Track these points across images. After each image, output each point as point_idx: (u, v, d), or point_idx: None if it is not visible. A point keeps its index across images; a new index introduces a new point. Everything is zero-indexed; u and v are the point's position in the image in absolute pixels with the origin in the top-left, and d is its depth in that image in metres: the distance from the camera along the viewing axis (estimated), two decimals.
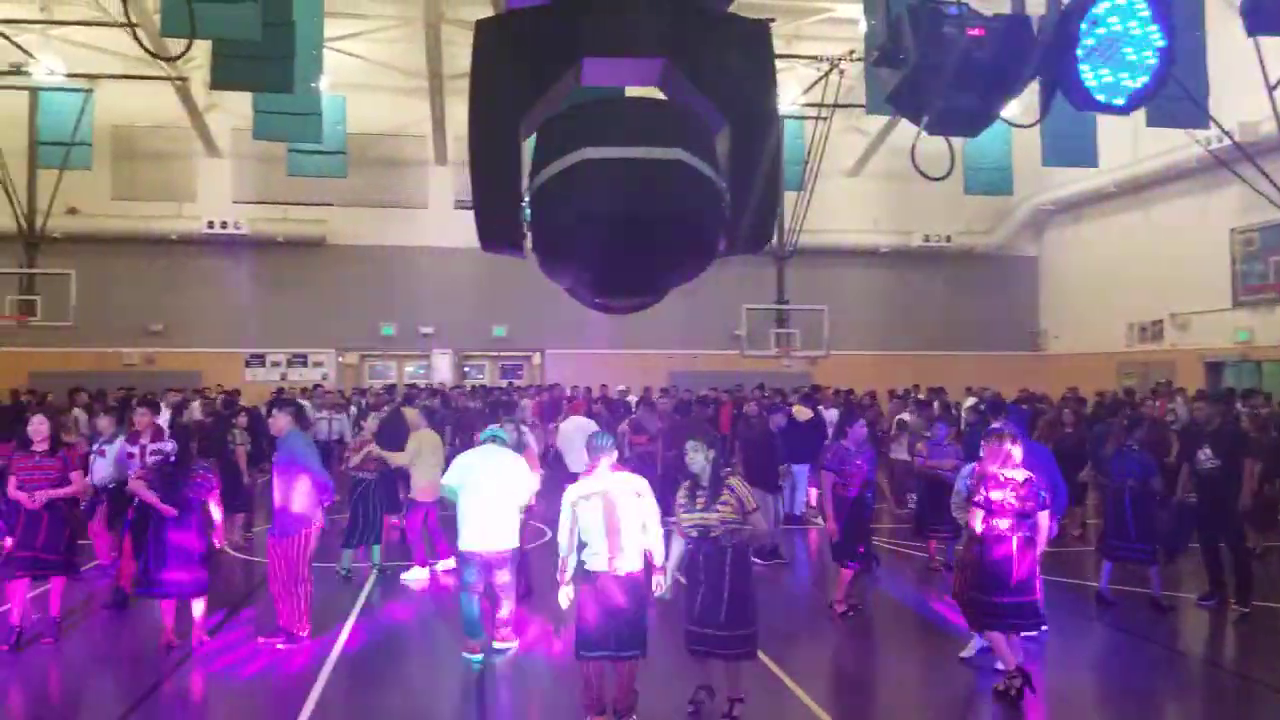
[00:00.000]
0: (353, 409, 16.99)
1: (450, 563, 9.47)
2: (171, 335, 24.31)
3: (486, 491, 6.97)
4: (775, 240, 22.09)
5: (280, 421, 7.59)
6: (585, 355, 24.63)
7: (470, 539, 6.98)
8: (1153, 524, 8.91)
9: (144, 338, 24.21)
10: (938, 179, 3.38)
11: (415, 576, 9.74)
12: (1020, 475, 6.14)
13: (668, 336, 23.87)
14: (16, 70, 19.89)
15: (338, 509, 10.86)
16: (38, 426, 7.57)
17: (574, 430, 11.45)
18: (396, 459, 9.79)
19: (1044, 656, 7.42)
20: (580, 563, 5.70)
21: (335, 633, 7.93)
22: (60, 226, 22.47)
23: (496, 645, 7.35)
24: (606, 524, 5.50)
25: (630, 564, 5.60)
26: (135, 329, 24.03)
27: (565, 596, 5.74)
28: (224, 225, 23.80)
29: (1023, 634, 6.64)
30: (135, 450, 8.73)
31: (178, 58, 3.81)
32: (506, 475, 7.07)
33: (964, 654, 7.18)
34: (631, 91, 2.96)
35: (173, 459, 7.59)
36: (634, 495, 5.59)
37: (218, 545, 7.88)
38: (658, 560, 5.72)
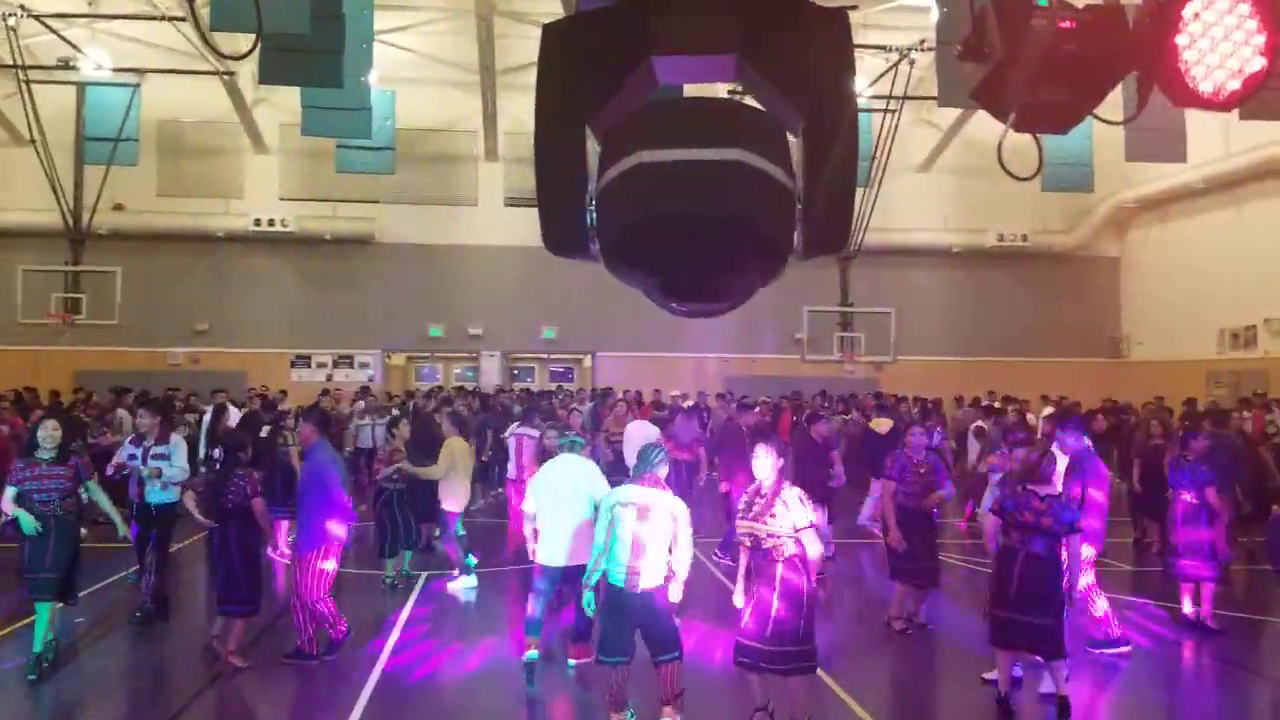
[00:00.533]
0: (394, 412, 16.39)
1: (470, 580, 9.63)
2: (217, 335, 24.44)
3: (561, 505, 7.02)
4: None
5: (305, 431, 7.57)
6: (638, 359, 24.53)
7: (547, 554, 7.04)
8: (1203, 538, 8.73)
9: (189, 337, 24.37)
10: (1025, 179, 3.28)
11: (463, 585, 9.82)
12: (1044, 490, 6.14)
13: (724, 340, 23.64)
14: (64, 65, 20.15)
15: (366, 515, 10.83)
16: (50, 432, 7.22)
17: (639, 435, 11.67)
18: (429, 473, 9.77)
19: (1118, 682, 7.35)
20: (604, 570, 5.88)
21: (377, 647, 7.95)
22: (106, 223, 22.72)
23: (571, 662, 7.47)
24: (633, 539, 5.65)
25: (648, 582, 5.76)
26: (180, 328, 24.18)
27: (588, 602, 5.97)
28: (271, 223, 23.90)
29: (1049, 660, 6.49)
30: (138, 452, 8.61)
31: (243, 56, 3.79)
32: (581, 486, 7.08)
33: (986, 675, 7.07)
34: (700, 90, 2.92)
35: (218, 467, 7.53)
36: (669, 517, 5.71)
37: (275, 555, 7.49)
38: (679, 574, 5.83)
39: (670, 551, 5.72)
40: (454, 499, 9.82)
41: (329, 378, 24.21)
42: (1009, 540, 6.32)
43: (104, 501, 7.39)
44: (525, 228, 20.71)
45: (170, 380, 21.48)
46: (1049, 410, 17.14)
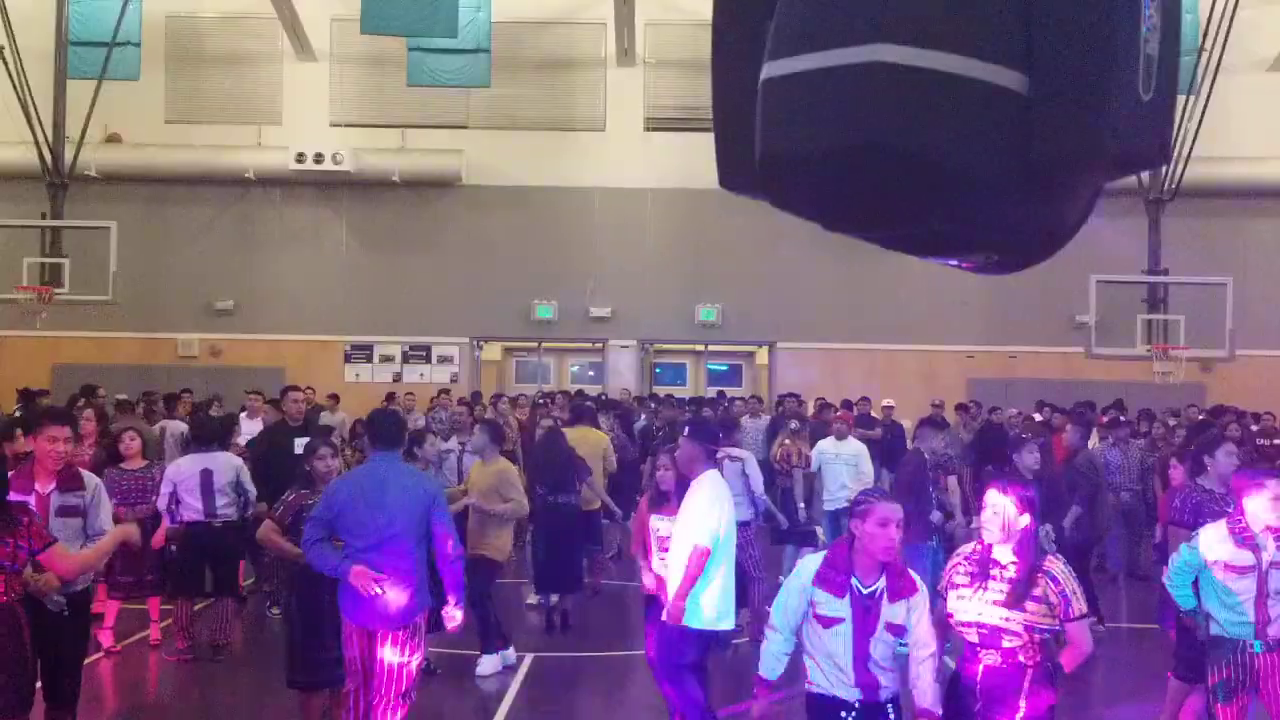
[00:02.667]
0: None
1: (494, 662, 9.74)
2: (245, 316, 23.83)
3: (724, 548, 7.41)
4: (1147, 175, 20.99)
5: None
6: (836, 354, 23.48)
7: (717, 611, 7.28)
8: None
9: (208, 319, 23.83)
10: None
11: (490, 666, 9.76)
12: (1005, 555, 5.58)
13: (967, 326, 23.01)
14: None
15: None
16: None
17: (834, 453, 12.63)
18: (500, 510, 9.84)
19: None
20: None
21: None
22: (97, 161, 22.21)
23: None
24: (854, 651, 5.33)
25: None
26: (196, 307, 23.68)
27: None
28: (319, 159, 22.74)
29: None
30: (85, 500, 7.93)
31: None
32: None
33: None
34: None
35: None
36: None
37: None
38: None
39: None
40: (498, 545, 9.88)
41: (396, 377, 23.60)
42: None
43: None
44: (675, 162, 22.06)
45: (182, 378, 20.50)
46: None
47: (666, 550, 7.33)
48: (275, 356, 22.95)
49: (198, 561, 9.74)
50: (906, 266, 20.00)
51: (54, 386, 19.72)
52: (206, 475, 9.64)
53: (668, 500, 7.81)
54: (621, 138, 23.76)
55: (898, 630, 5.20)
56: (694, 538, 7.04)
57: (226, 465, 9.83)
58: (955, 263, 3.02)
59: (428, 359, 24.08)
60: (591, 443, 12.17)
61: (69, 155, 20.96)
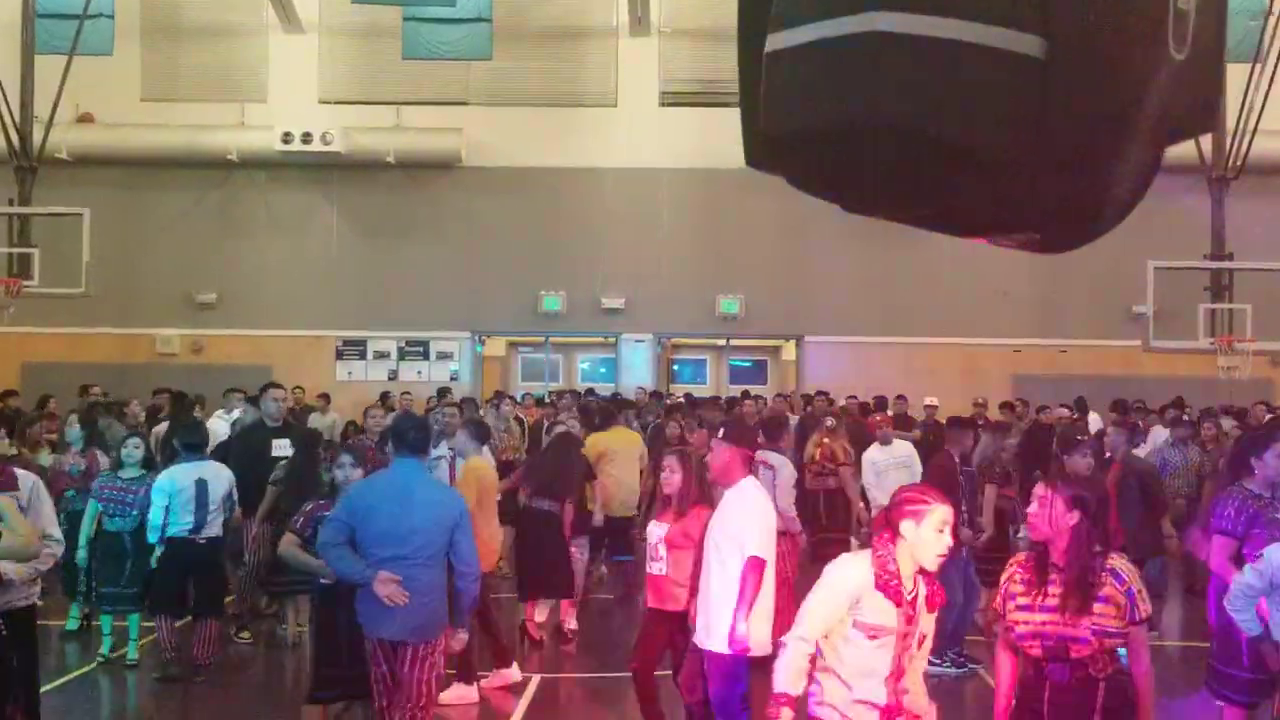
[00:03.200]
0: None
1: (465, 692, 9.52)
2: (229, 310, 23.75)
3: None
4: (1209, 149, 20.43)
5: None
6: (868, 348, 23.40)
7: (764, 635, 7.10)
8: None
9: (189, 313, 23.76)
10: None
11: (456, 695, 9.52)
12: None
13: (1013, 317, 22.97)
14: None
15: None
16: None
17: (885, 462, 12.48)
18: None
19: None
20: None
21: None
22: (68, 142, 22.15)
23: None
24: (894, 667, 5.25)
25: None
26: (176, 300, 23.63)
27: None
28: (307, 139, 22.60)
29: None
30: None
31: None
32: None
33: None
34: None
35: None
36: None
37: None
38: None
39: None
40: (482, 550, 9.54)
41: (392, 374, 23.59)
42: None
43: None
44: (693, 140, 22.15)
45: (162, 376, 20.57)
46: None
47: (658, 558, 7.45)
48: (261, 353, 22.90)
49: (181, 577, 9.71)
50: (946, 252, 20.29)
51: (23, 387, 19.97)
52: (201, 486, 9.69)
53: (668, 505, 7.87)
54: (635, 114, 23.62)
55: (924, 642, 5.29)
56: (746, 549, 6.85)
57: (218, 476, 9.86)
58: (995, 243, 2.98)
59: (425, 355, 24.08)
60: (628, 445, 12.51)
61: (38, 136, 20.58)
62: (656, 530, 7.58)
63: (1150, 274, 19.37)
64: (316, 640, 7.90)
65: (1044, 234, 2.86)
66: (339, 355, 23.87)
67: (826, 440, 13.23)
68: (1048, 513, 5.20)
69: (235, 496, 9.96)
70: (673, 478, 7.75)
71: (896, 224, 3.09)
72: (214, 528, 9.71)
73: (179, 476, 9.74)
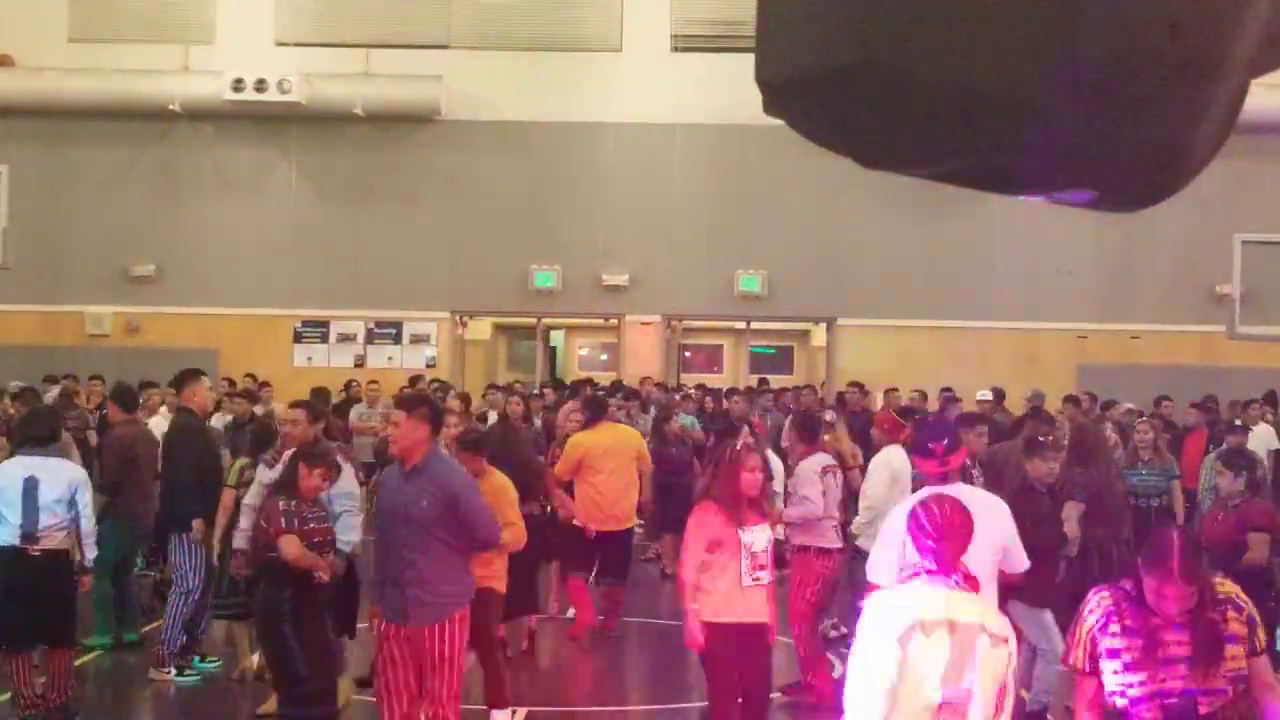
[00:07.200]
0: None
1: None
2: (169, 285, 23.24)
3: None
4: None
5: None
6: (911, 331, 23.12)
7: None
8: None
9: (123, 288, 23.34)
10: None
11: None
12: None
13: (1078, 299, 22.70)
14: None
15: None
16: None
17: (890, 470, 11.99)
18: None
19: None
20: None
21: None
22: None
23: None
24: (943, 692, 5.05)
25: None
26: (109, 273, 23.22)
27: None
28: (261, 86, 22.12)
29: None
30: None
31: None
32: None
33: None
34: None
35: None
36: (993, 640, 4.99)
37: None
38: None
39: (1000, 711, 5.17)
40: (497, 569, 9.74)
41: (359, 360, 23.31)
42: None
43: None
44: (708, 91, 21.80)
45: (91, 360, 20.29)
46: None
47: (762, 567, 7.64)
48: (207, 335, 22.60)
49: (13, 599, 9.17)
50: (1001, 224, 20.16)
51: None
52: (31, 485, 9.14)
53: (757, 507, 8.11)
54: (642, 60, 23.28)
55: None
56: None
57: (58, 473, 9.31)
58: (1052, 200, 2.91)
59: (398, 339, 23.81)
60: (625, 444, 12.12)
61: None
62: (760, 536, 7.70)
63: (1237, 250, 18.13)
64: (273, 661, 8.11)
65: (1101, 191, 2.68)
66: (297, 338, 23.59)
67: (828, 440, 12.69)
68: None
69: (84, 500, 9.30)
70: (758, 476, 8.04)
71: (943, 189, 3.00)
72: (54, 538, 9.05)
73: (3, 472, 9.31)
